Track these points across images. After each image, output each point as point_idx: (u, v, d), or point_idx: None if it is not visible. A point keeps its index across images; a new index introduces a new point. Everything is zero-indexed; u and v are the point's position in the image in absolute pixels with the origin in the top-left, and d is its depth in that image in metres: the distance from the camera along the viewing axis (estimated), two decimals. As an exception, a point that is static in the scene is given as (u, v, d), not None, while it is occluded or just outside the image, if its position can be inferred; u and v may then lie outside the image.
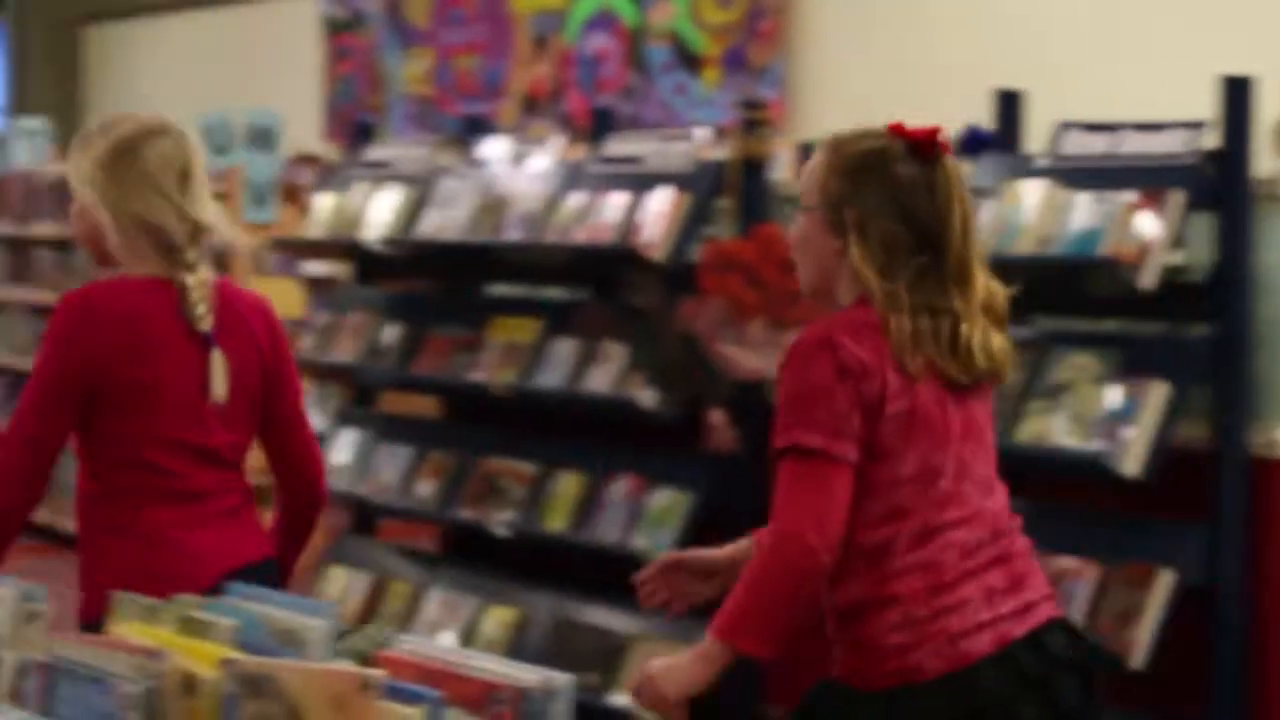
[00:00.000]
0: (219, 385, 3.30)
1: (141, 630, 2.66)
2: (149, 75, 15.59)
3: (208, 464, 3.35)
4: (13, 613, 2.82)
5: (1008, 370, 3.02)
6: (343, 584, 6.82)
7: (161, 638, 2.53)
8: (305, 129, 10.39)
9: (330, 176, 7.77)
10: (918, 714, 2.89)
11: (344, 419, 7.24)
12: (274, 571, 3.43)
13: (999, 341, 3.00)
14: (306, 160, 10.68)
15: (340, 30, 13.72)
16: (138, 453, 3.30)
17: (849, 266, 2.96)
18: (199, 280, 3.31)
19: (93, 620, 3.12)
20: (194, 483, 3.34)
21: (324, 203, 7.24)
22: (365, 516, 7.16)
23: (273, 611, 2.59)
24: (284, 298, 9.25)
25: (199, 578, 3.14)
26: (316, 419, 8.58)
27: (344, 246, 7.09)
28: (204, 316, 3.29)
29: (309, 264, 9.53)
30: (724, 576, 3.24)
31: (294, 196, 9.36)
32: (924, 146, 2.97)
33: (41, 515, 9.87)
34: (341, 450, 7.00)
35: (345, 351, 6.95)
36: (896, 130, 3.00)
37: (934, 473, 2.93)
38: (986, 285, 3.00)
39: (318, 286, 9.20)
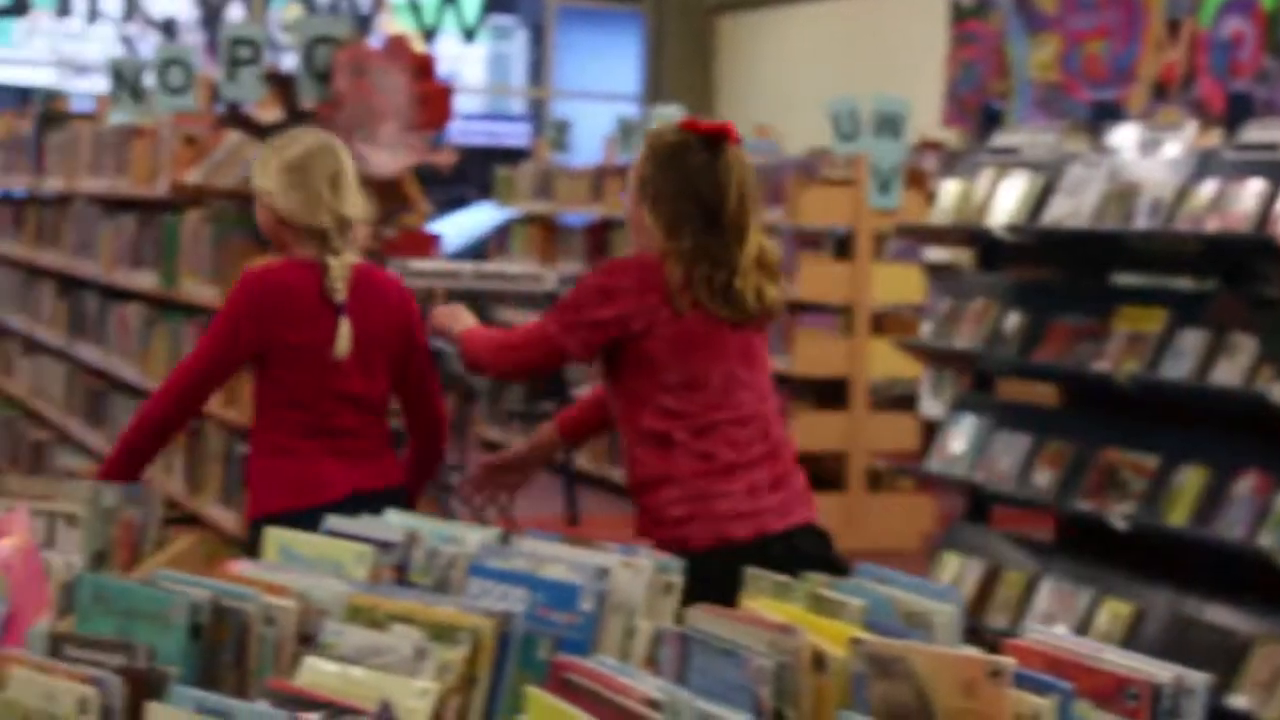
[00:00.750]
0: (342, 344, 4.14)
1: (773, 606, 2.74)
2: (777, 63, 15.92)
3: (349, 407, 4.20)
4: (649, 583, 2.95)
5: (778, 312, 3.94)
6: (956, 570, 6.83)
7: (793, 614, 2.60)
8: (926, 115, 10.41)
9: (956, 163, 7.77)
10: (693, 572, 3.18)
11: (961, 405, 7.24)
12: (401, 498, 4.14)
13: (771, 291, 3.90)
14: (930, 146, 10.71)
15: (966, 16, 13.68)
16: (292, 395, 4.18)
17: (650, 228, 3.85)
18: (340, 262, 4.15)
19: (254, 518, 4.14)
20: (335, 421, 4.19)
21: (949, 189, 7.25)
22: (980, 503, 7.14)
23: (900, 594, 2.62)
24: (904, 284, 9.30)
25: (330, 494, 4.08)
26: (932, 404, 8.63)
27: (968, 233, 7.09)
28: (339, 291, 4.14)
29: (930, 250, 9.55)
30: (530, 465, 4.22)
31: (918, 182, 9.40)
32: (714, 138, 3.87)
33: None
34: (958, 436, 7.00)
35: (965, 338, 6.95)
36: (691, 126, 3.94)
37: (700, 381, 3.83)
38: (760, 244, 3.89)
39: (938, 273, 9.22)
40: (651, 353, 3.85)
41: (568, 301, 3.95)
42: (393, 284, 4.33)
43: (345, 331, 4.15)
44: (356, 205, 4.21)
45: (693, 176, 3.85)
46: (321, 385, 4.17)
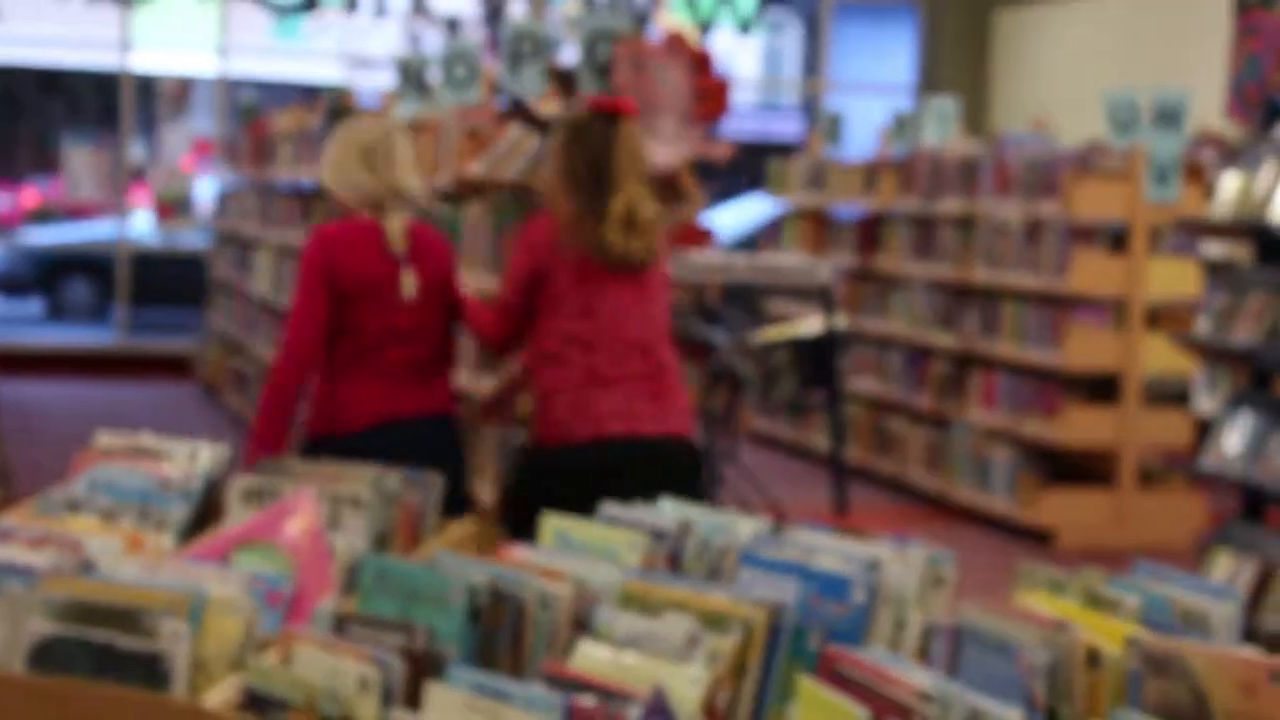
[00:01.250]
0: (408, 288, 4.80)
1: (1047, 602, 2.71)
2: (1055, 57, 15.68)
3: (402, 342, 4.82)
4: (921, 576, 2.94)
5: (643, 261, 4.72)
6: (1229, 570, 6.67)
7: (1067, 610, 2.58)
8: (1207, 108, 10.17)
9: (1236, 156, 7.58)
10: (573, 462, 4.49)
11: (1238, 402, 7.06)
12: (446, 424, 4.91)
13: (635, 244, 4.69)
14: (1209, 140, 10.46)
15: (1251, 7, 13.31)
16: (357, 334, 4.78)
17: (551, 191, 4.78)
18: (396, 223, 4.82)
19: (310, 438, 4.81)
20: (389, 355, 4.81)
21: (1228, 182, 7.08)
22: (1256, 503, 6.97)
23: (1177, 592, 2.58)
24: (1179, 278, 9.11)
25: (376, 415, 4.77)
26: (1206, 401, 8.43)
27: (1247, 227, 6.91)
28: (398, 245, 4.81)
29: (1208, 245, 9.34)
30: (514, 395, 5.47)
31: (1195, 176, 9.20)
32: (611, 114, 4.72)
33: (915, 474, 10.17)
34: (1233, 434, 6.83)
35: (1243, 334, 6.78)
36: (594, 102, 4.82)
37: (590, 311, 4.70)
38: (629, 206, 4.67)
39: (1215, 268, 9.01)
40: (553, 290, 4.71)
41: (509, 268, 4.86)
42: (440, 239, 5.01)
43: (409, 278, 4.81)
44: (409, 175, 4.88)
45: (588, 144, 4.68)
46: (380, 323, 4.80)
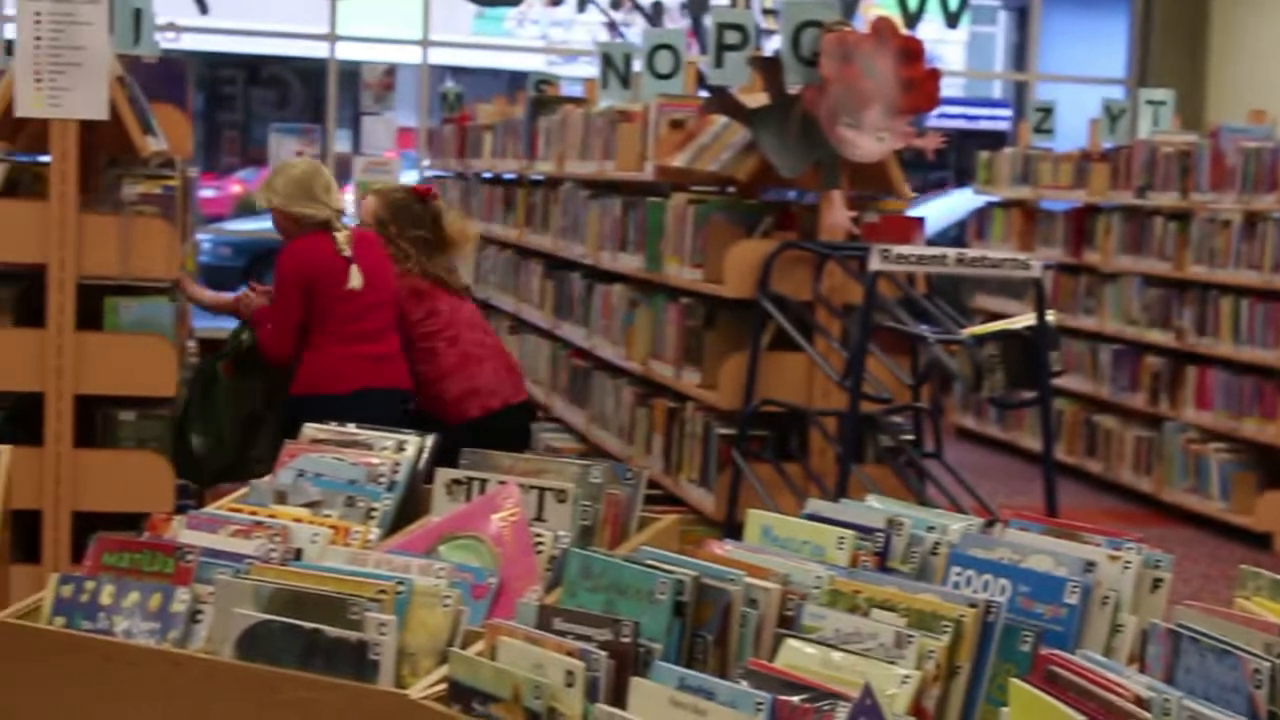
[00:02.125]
0: (355, 280, 6.23)
1: (1268, 607, 2.62)
2: (1275, 44, 15.30)
3: (364, 324, 6.27)
4: (1137, 578, 2.86)
5: (459, 289, 6.73)
6: None
7: (1295, 617, 2.49)
8: None
9: None
10: (459, 436, 4.87)
11: None
12: (403, 397, 6.36)
13: (456, 277, 6.76)
14: None
15: None
16: (325, 317, 6.21)
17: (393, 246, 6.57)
18: (343, 235, 6.30)
19: (298, 395, 6.19)
20: (354, 328, 6.24)
21: None
22: None
23: None
24: None
25: (345, 385, 6.14)
26: None
27: None
28: (345, 249, 6.26)
29: None
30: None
31: None
32: (423, 195, 6.73)
33: (1109, 469, 9.96)
34: None
35: None
36: (413, 189, 6.86)
37: (445, 321, 6.53)
38: (446, 250, 6.69)
39: None
40: (407, 304, 6.48)
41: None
42: (376, 240, 6.49)
43: (355, 273, 6.24)
44: (342, 200, 6.47)
45: (414, 214, 6.61)
46: (341, 310, 6.20)
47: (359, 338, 6.27)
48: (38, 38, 5.51)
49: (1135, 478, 10.23)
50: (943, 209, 16.74)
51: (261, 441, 6.20)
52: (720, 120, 6.25)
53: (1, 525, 3.64)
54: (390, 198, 6.71)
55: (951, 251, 5.34)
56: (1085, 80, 17.48)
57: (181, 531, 3.41)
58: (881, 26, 5.72)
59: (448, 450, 3.90)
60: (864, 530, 3.07)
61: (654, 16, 16.42)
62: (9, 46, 6.81)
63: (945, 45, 24.87)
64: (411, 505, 3.66)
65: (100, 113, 5.58)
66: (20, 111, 5.59)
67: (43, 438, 5.67)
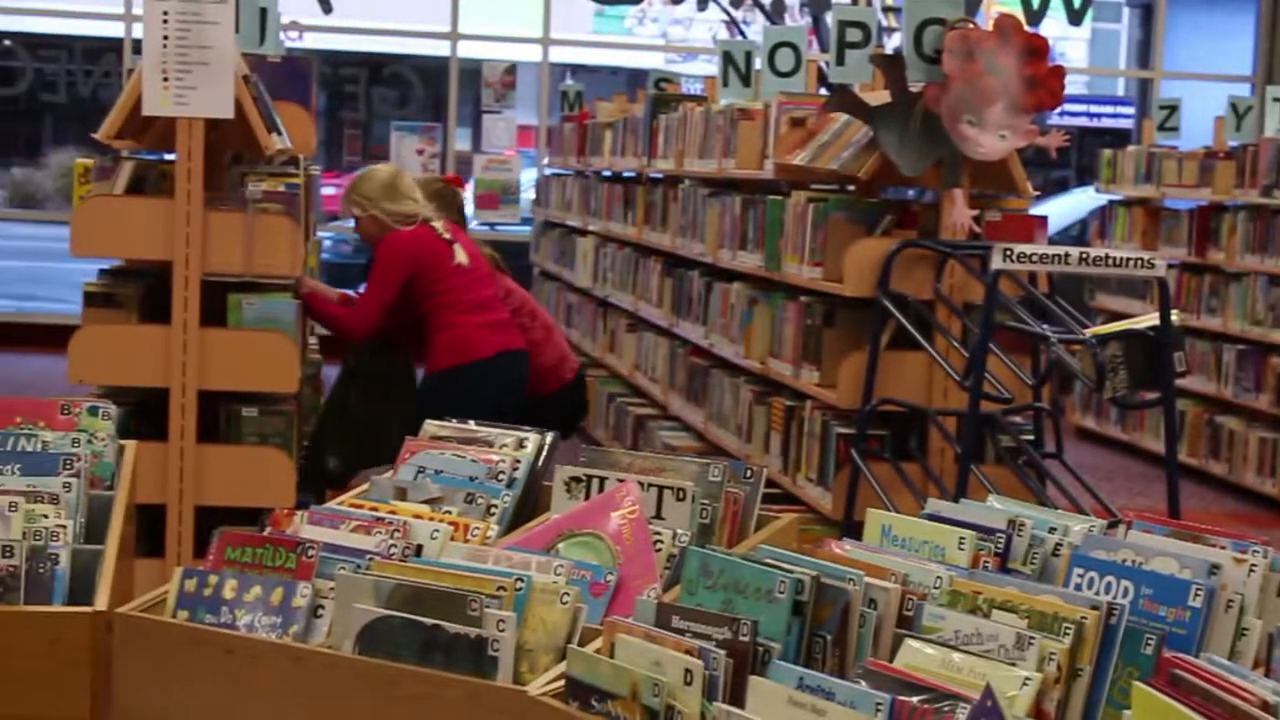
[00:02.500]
0: (461, 257, 6.79)
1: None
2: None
3: (480, 294, 6.86)
4: (1262, 581, 2.82)
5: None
6: None
7: None
8: None
9: None
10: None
11: None
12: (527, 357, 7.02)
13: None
14: None
15: None
16: (446, 293, 6.75)
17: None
18: (440, 224, 6.84)
19: (441, 370, 6.81)
20: (474, 298, 6.82)
21: None
22: None
23: None
24: None
25: (488, 349, 6.78)
26: None
27: None
28: (444, 233, 6.83)
29: None
30: None
31: None
32: (455, 183, 7.61)
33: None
34: None
35: None
36: (446, 178, 7.68)
37: (520, 299, 7.45)
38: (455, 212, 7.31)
39: None
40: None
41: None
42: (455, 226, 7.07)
43: (460, 252, 6.79)
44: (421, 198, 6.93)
45: (449, 203, 7.24)
46: (456, 281, 6.75)
47: (480, 307, 6.83)
48: (165, 37, 5.58)
49: (1259, 480, 10.09)
50: (1064, 208, 16.58)
51: (389, 442, 6.32)
52: (841, 118, 6.23)
53: (126, 519, 3.69)
54: (432, 187, 7.28)
55: (1074, 250, 5.29)
56: (1210, 77, 17.26)
57: (303, 527, 3.45)
58: (1005, 23, 5.67)
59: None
60: (985, 531, 3.05)
61: (774, 14, 16.38)
62: (137, 46, 6.90)
63: (1068, 42, 24.64)
64: (531, 502, 3.68)
65: (226, 111, 5.64)
66: (148, 110, 5.67)
67: (167, 433, 5.74)
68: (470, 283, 6.82)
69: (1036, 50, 5.63)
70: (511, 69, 14.37)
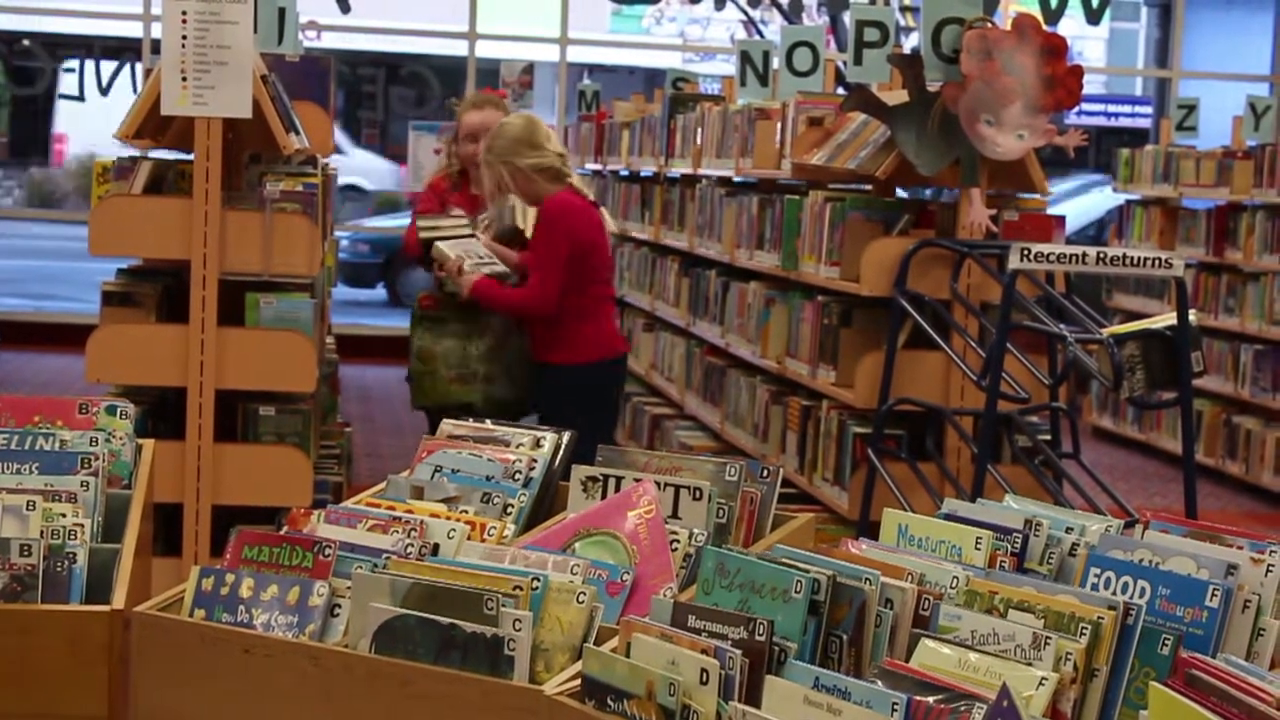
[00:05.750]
0: (610, 224, 6.72)
1: None
2: None
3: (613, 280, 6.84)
4: (1280, 581, 2.81)
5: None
6: None
7: None
8: None
9: None
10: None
11: None
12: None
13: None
14: None
15: None
16: (590, 277, 6.54)
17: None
18: (576, 179, 6.61)
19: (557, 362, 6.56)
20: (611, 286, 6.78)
21: None
22: None
23: None
24: None
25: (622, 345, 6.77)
26: None
27: None
28: (587, 193, 6.65)
29: None
30: None
31: None
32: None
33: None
34: None
35: None
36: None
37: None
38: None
39: None
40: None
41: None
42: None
43: (607, 219, 6.70)
44: (560, 146, 6.60)
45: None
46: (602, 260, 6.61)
47: (611, 300, 6.93)
48: (184, 37, 5.59)
49: (1276, 480, 10.07)
50: (1082, 207, 16.56)
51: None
52: (858, 118, 6.23)
53: (144, 518, 3.70)
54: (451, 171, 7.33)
55: (1092, 250, 5.28)
56: (1229, 77, 17.23)
57: (320, 526, 3.45)
58: (1023, 23, 5.66)
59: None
60: (1001, 531, 3.05)
61: (792, 14, 16.37)
62: (156, 46, 6.92)
63: (1086, 41, 24.59)
64: (547, 501, 3.68)
65: (244, 111, 5.65)
66: (166, 110, 5.68)
67: (185, 432, 5.75)
68: (611, 268, 6.80)
69: (1055, 49, 5.62)
70: (529, 69, 14.37)
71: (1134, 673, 2.63)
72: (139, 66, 14.78)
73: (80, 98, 15.55)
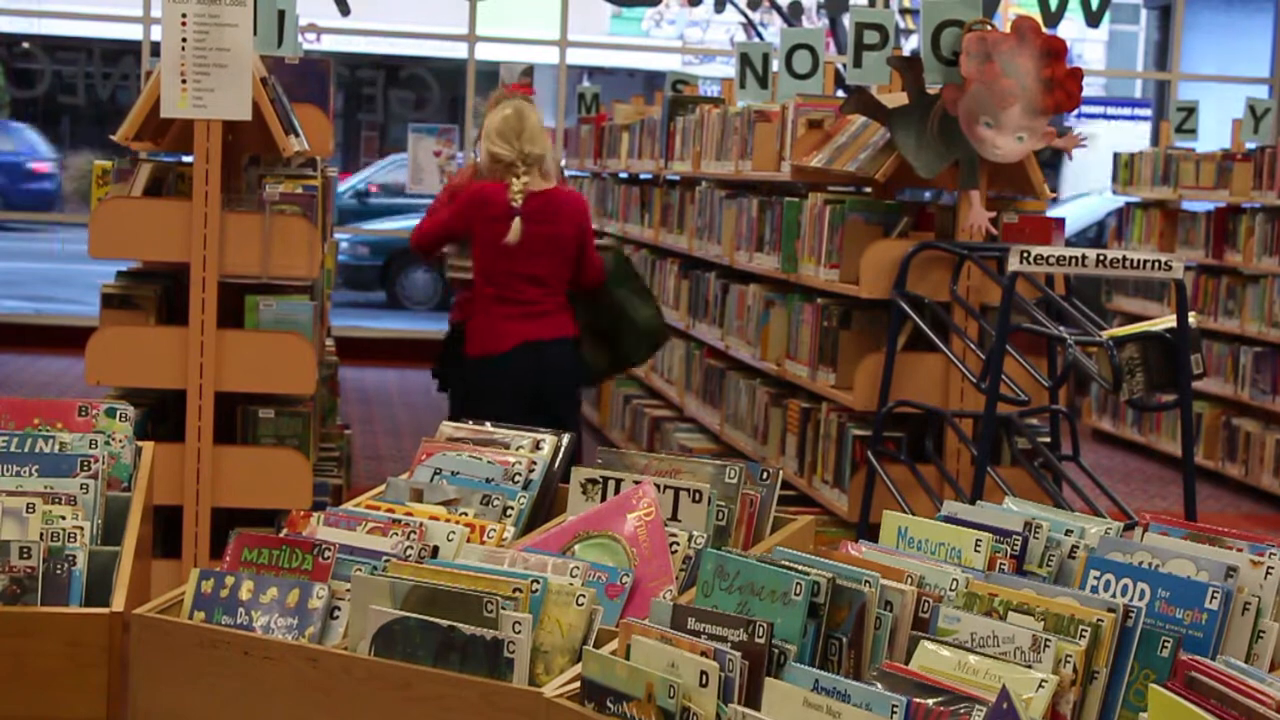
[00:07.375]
0: (513, 235, 6.53)
1: None
2: None
3: (529, 284, 6.65)
4: (1279, 584, 2.81)
5: None
6: None
7: None
8: None
9: None
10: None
11: None
12: (568, 346, 6.75)
13: None
14: None
15: None
16: (489, 275, 6.67)
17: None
18: (520, 183, 6.58)
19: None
20: (517, 293, 6.65)
21: None
22: None
23: None
24: None
25: (507, 341, 6.62)
26: None
27: None
28: (516, 199, 6.56)
29: None
30: None
31: None
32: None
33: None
34: None
35: None
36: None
37: None
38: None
39: None
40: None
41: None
42: (575, 198, 6.85)
43: (516, 227, 6.53)
44: (541, 145, 6.67)
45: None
46: (507, 267, 6.60)
47: (508, 301, 6.92)
48: (183, 39, 5.60)
49: (1276, 482, 10.07)
50: (1082, 209, 16.56)
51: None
52: (858, 120, 6.23)
53: (143, 520, 3.70)
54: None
55: (1092, 252, 5.29)
56: (1228, 79, 17.23)
57: (319, 528, 3.45)
58: (1022, 25, 5.66)
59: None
60: (1001, 533, 3.05)
61: (792, 16, 16.38)
62: (155, 48, 6.92)
63: (1086, 44, 24.60)
64: (547, 504, 3.68)
65: (244, 114, 5.65)
66: (166, 112, 5.68)
67: (184, 434, 5.76)
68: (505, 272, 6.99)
69: (1054, 52, 5.63)
70: (529, 70, 14.38)
71: (1133, 675, 2.63)
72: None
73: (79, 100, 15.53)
